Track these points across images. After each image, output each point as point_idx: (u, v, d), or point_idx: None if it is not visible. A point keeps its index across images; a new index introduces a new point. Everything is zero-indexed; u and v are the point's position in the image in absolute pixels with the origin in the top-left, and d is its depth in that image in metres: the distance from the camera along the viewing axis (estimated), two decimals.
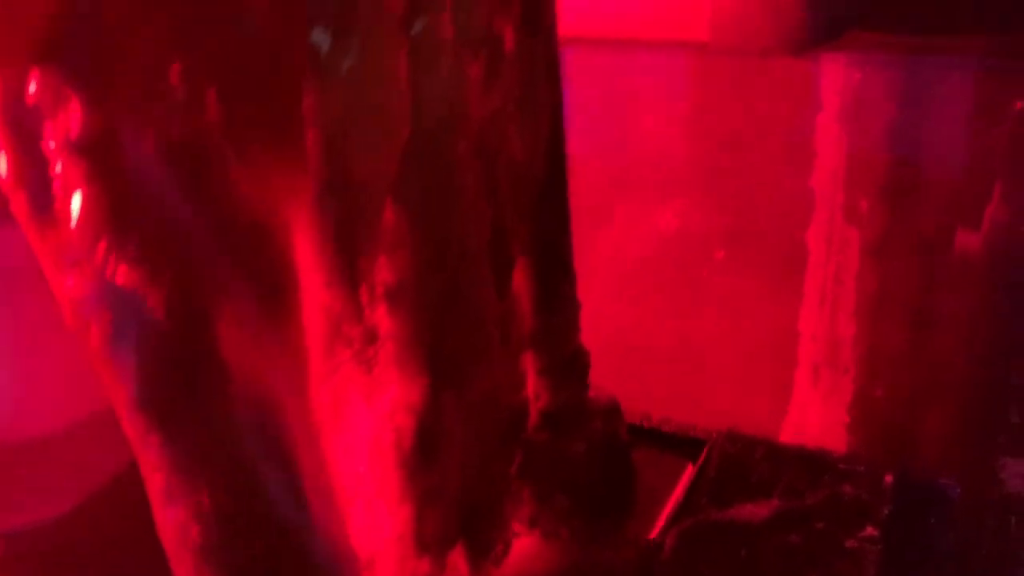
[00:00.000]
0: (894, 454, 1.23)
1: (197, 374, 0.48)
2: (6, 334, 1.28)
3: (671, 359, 1.34)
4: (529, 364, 0.94)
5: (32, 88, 0.40)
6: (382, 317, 0.67)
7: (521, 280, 0.88)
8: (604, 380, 1.10)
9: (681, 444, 1.08)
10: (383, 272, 0.67)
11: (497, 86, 0.74)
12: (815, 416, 1.25)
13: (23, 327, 1.30)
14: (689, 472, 1.04)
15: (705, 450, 1.06)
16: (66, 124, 0.40)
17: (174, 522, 0.49)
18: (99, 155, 0.41)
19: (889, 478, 0.96)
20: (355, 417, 0.67)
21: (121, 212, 0.42)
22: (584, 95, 1.27)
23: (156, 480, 0.48)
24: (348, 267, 0.62)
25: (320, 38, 0.55)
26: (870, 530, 0.90)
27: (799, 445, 1.20)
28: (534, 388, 0.95)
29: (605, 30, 1.12)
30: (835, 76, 1.09)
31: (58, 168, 0.41)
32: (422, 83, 0.64)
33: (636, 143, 1.25)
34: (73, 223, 0.42)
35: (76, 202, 0.42)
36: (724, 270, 1.25)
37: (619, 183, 1.28)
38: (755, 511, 0.95)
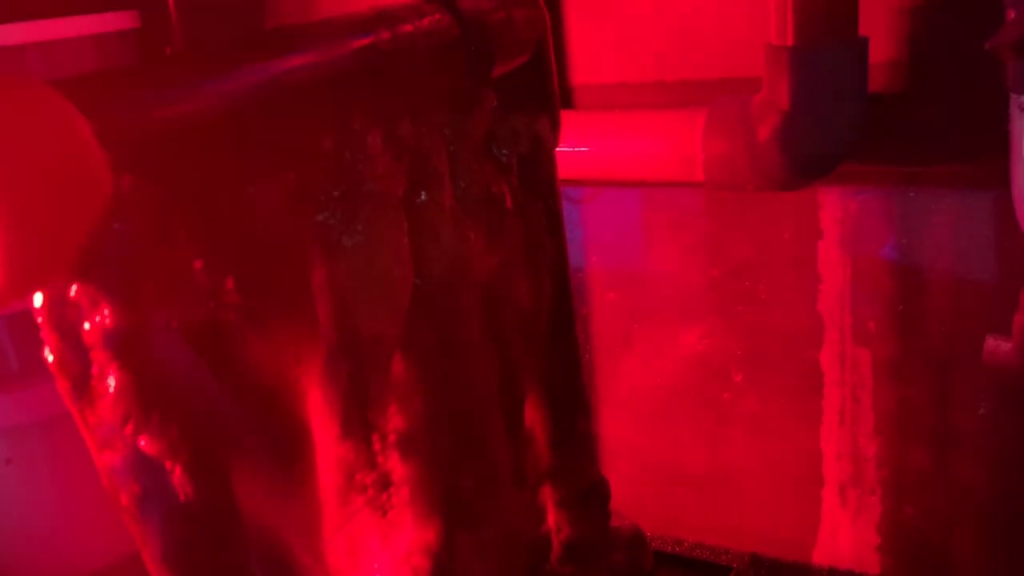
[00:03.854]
0: (929, 574, 1.22)
1: (218, 533, 0.54)
2: (59, 476, 1.35)
3: (699, 483, 1.36)
4: (548, 497, 0.97)
5: (72, 293, 0.47)
6: (395, 463, 0.72)
7: (535, 417, 0.93)
8: (632, 505, 1.12)
9: (707, 570, 1.08)
10: (395, 420, 0.72)
11: (500, 243, 0.81)
12: (846, 537, 1.25)
13: (74, 469, 1.37)
14: None
15: None
16: (101, 322, 0.47)
17: None
18: (128, 347, 0.47)
19: None
20: (372, 560, 0.71)
21: (147, 394, 0.49)
22: (598, 231, 1.34)
23: None
24: (360, 419, 0.68)
25: (327, 221, 0.62)
26: None
27: (829, 567, 1.20)
28: (555, 520, 0.98)
29: (614, 173, 1.19)
30: (832, 206, 1.15)
31: (94, 358, 0.48)
32: (426, 249, 0.71)
33: (651, 274, 1.31)
34: (107, 405, 0.49)
35: (109, 387, 0.48)
36: (744, 393, 1.28)
37: (637, 313, 1.34)
38: None
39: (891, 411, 1.19)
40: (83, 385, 0.50)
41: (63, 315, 0.48)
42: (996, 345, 1.12)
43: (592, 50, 1.26)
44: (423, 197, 0.71)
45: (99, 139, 0.43)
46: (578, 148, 1.17)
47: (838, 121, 0.99)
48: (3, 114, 0.41)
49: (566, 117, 0.93)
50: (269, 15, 1.31)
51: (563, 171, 0.93)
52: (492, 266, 0.82)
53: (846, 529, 1.25)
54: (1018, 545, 1.18)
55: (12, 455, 1.36)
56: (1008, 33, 0.82)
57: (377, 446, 0.69)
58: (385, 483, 0.71)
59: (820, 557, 1.27)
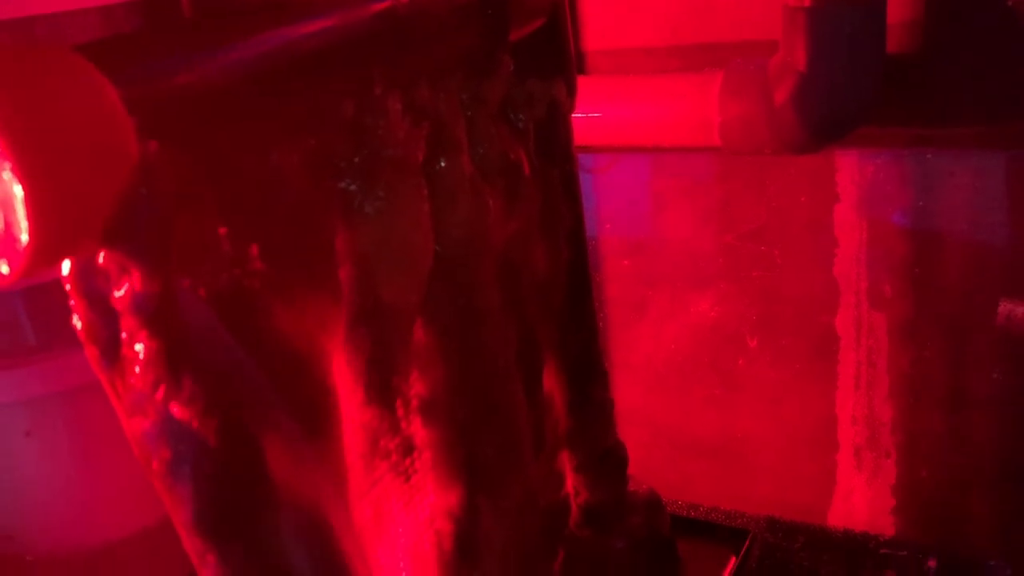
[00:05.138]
0: (944, 536, 1.22)
1: (248, 496, 0.54)
2: (79, 447, 1.37)
3: (713, 448, 1.36)
4: (566, 462, 0.98)
5: (100, 260, 0.47)
6: (418, 429, 0.72)
7: (553, 383, 0.93)
8: (648, 472, 1.13)
9: (724, 535, 1.09)
10: (417, 387, 0.72)
11: (517, 210, 0.81)
12: (861, 500, 1.26)
13: (94, 439, 1.38)
14: (732, 564, 1.06)
15: (747, 540, 1.07)
16: (130, 289, 0.47)
17: None
18: (157, 313, 0.48)
19: (933, 563, 0.97)
20: (396, 524, 0.72)
21: (176, 360, 0.49)
22: (612, 198, 1.34)
23: None
24: (383, 385, 0.68)
25: (349, 187, 0.62)
26: None
27: (843, 530, 1.21)
28: (573, 484, 0.99)
29: (628, 138, 1.18)
30: (849, 169, 1.14)
31: (123, 325, 0.48)
32: (444, 215, 0.71)
33: (665, 240, 1.31)
34: (136, 371, 0.49)
35: (138, 353, 0.48)
36: (758, 358, 1.28)
37: (651, 279, 1.33)
38: None
39: (906, 375, 1.19)
40: (112, 352, 0.50)
41: (91, 282, 0.48)
42: (1010, 309, 1.12)
43: (605, 15, 1.24)
44: (442, 163, 0.70)
45: (125, 105, 0.43)
46: (591, 114, 1.16)
47: (856, 82, 0.98)
48: (29, 80, 0.41)
49: (579, 83, 0.92)
50: None
51: (577, 137, 0.93)
52: (510, 233, 0.82)
53: (861, 492, 1.25)
54: None
55: (31, 427, 1.37)
56: None
57: (400, 411, 0.70)
58: (408, 448, 0.71)
59: (835, 520, 1.28)
